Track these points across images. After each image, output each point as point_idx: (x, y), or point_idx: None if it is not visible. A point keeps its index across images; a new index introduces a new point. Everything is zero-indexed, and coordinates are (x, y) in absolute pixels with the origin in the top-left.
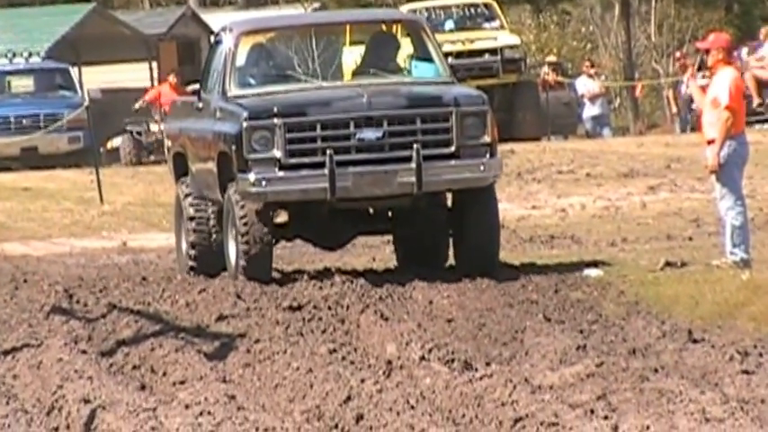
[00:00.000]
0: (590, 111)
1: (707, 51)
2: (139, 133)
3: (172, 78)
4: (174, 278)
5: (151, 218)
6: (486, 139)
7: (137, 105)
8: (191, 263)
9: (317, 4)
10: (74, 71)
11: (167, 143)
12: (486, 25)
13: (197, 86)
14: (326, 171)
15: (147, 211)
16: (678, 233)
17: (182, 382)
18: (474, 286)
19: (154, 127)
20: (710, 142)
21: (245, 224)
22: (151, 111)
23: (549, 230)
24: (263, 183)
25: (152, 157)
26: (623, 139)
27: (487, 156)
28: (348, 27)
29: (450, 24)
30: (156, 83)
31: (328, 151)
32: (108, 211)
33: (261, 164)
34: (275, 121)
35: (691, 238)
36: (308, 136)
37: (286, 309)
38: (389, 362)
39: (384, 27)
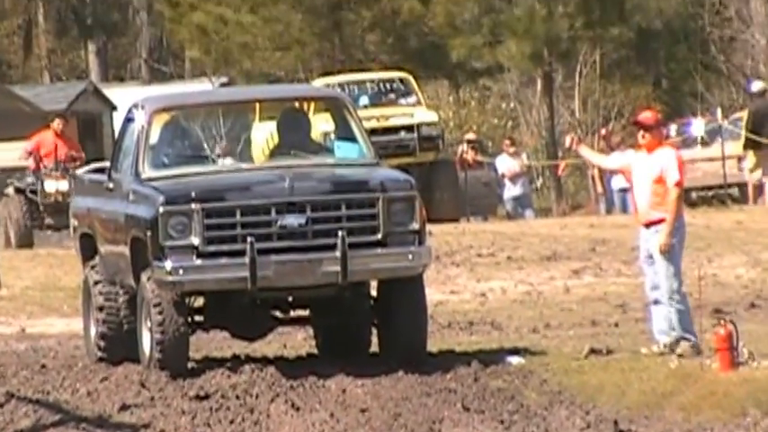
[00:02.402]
0: (511, 191)
1: (647, 128)
2: (34, 192)
3: (56, 124)
4: (75, 365)
5: (51, 303)
6: (415, 225)
7: (21, 158)
8: (100, 353)
9: (223, 79)
10: None
11: (73, 222)
12: (403, 101)
13: (100, 165)
14: (247, 259)
15: (46, 296)
16: (603, 319)
17: None
18: (390, 375)
19: (50, 186)
20: (651, 224)
21: (161, 314)
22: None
23: (469, 316)
24: (180, 271)
25: (49, 221)
26: (546, 220)
27: (416, 244)
28: (273, 104)
29: (364, 100)
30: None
31: (249, 238)
32: (5, 295)
33: (178, 251)
34: (193, 206)
35: (617, 325)
36: (228, 222)
37: (192, 398)
38: None
39: (297, 104)
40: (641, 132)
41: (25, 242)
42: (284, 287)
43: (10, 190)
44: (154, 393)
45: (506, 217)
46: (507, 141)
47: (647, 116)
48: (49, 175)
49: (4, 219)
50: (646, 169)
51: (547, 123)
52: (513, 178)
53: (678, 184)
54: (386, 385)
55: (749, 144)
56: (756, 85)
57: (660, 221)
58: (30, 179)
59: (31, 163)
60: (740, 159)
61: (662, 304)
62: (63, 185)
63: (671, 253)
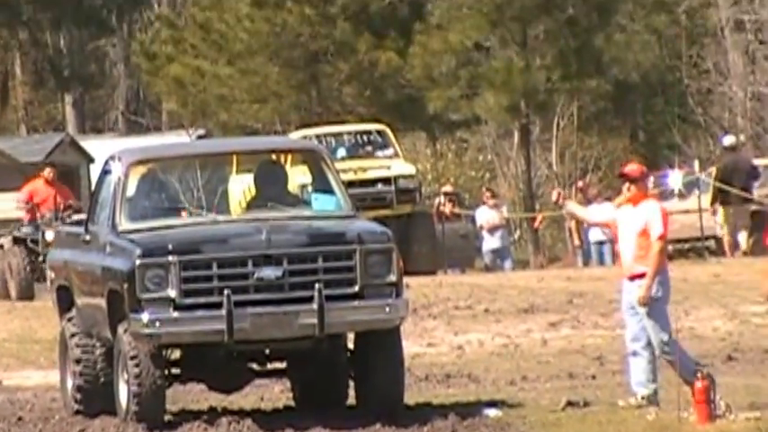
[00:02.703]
0: (489, 243)
1: (632, 180)
2: (34, 242)
3: (47, 173)
4: (52, 418)
5: (28, 355)
6: (392, 278)
7: (18, 208)
8: (77, 406)
9: (200, 131)
10: None
11: (50, 275)
12: (380, 153)
13: (77, 217)
14: (224, 312)
15: (23, 348)
16: (580, 371)
17: None
18: (367, 427)
19: (50, 235)
20: (636, 277)
21: (138, 366)
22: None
23: (446, 369)
24: (157, 324)
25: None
26: (523, 272)
27: (393, 296)
28: (250, 156)
29: (341, 152)
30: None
31: (226, 291)
32: None
33: (154, 304)
34: (170, 258)
35: (594, 377)
36: (205, 275)
37: None
38: None
39: (274, 156)
40: (627, 185)
41: (26, 294)
42: (261, 340)
43: (6, 241)
44: None
45: (485, 269)
46: (487, 193)
47: (632, 168)
48: (49, 225)
49: (1, 271)
50: (630, 222)
51: (524, 176)
52: (492, 230)
53: (661, 238)
54: None
55: (719, 199)
56: (728, 140)
57: (644, 275)
58: (27, 229)
59: (23, 213)
60: (715, 212)
61: (640, 356)
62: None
63: (657, 307)
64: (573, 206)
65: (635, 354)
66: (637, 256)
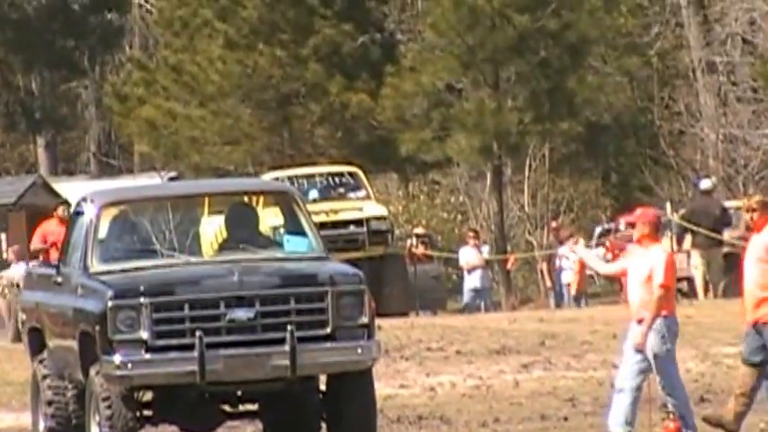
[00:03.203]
0: (470, 283)
1: (632, 225)
2: None
3: (61, 211)
4: None
5: (0, 397)
6: (364, 319)
7: (33, 252)
8: None
9: (172, 173)
10: None
11: (21, 317)
12: (352, 195)
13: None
14: (196, 354)
15: None
16: (553, 413)
17: None
18: None
19: None
20: (641, 321)
21: (109, 408)
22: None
23: (418, 410)
24: (129, 365)
25: None
26: (495, 314)
27: (365, 338)
28: (221, 198)
29: (314, 194)
30: (4, 254)
31: (198, 332)
32: None
33: (126, 345)
34: (142, 300)
35: (566, 418)
36: (177, 316)
37: None
38: None
39: (246, 197)
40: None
41: None
42: (233, 381)
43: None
44: None
45: (464, 308)
46: (471, 233)
47: (637, 214)
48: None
49: (15, 312)
50: (638, 268)
51: (496, 217)
52: (473, 270)
53: (662, 286)
54: None
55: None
56: (705, 184)
57: None
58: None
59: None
60: (689, 254)
61: (626, 395)
62: None
63: (666, 355)
64: (584, 253)
65: (621, 391)
66: (642, 301)
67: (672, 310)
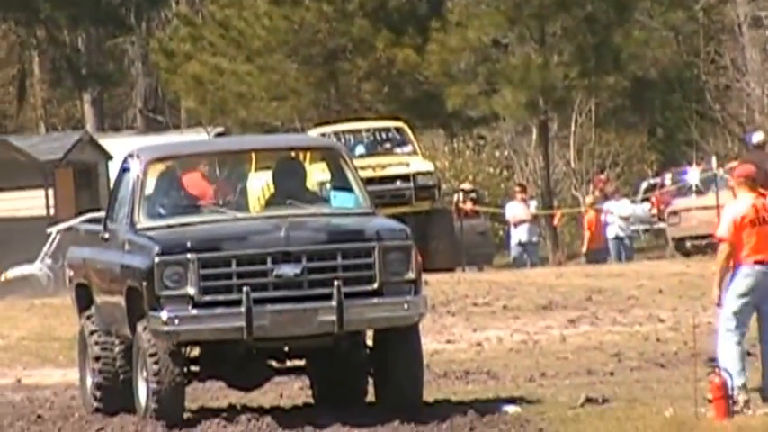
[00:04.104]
0: (516, 237)
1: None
2: None
3: (203, 167)
4: (71, 416)
5: (47, 353)
6: (411, 275)
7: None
8: (96, 404)
9: (219, 129)
10: None
11: (69, 273)
12: (399, 150)
13: (96, 215)
14: (243, 309)
15: (42, 346)
16: (599, 368)
17: None
18: (386, 424)
19: None
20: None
21: (157, 364)
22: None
23: (465, 365)
24: (176, 321)
25: None
26: (542, 269)
27: (412, 293)
28: (268, 154)
29: (360, 149)
30: (51, 211)
31: (245, 288)
32: (1, 345)
33: (173, 301)
34: (189, 256)
35: (612, 373)
36: (224, 272)
37: None
38: None
39: (293, 153)
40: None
41: None
42: (280, 337)
43: None
44: None
45: (512, 262)
46: (518, 188)
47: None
48: None
49: None
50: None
51: (542, 172)
52: (519, 225)
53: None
54: None
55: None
56: (756, 137)
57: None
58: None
59: None
60: None
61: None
62: None
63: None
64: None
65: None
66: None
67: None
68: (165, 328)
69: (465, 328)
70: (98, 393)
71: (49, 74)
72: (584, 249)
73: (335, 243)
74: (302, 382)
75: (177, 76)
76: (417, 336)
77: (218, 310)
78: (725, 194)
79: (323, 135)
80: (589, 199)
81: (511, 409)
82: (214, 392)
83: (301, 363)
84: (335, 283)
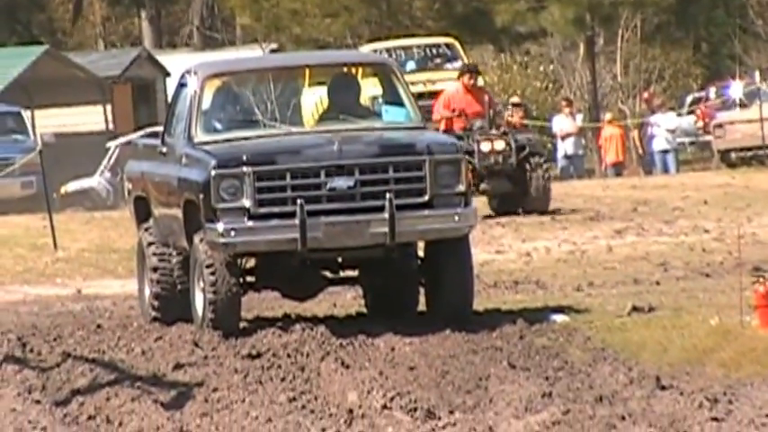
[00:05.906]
0: (563, 150)
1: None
2: (469, 153)
3: (467, 79)
4: (130, 326)
5: (106, 264)
6: (461, 188)
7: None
8: (154, 313)
9: (274, 45)
10: (26, 114)
11: (128, 186)
12: (449, 66)
13: (154, 129)
14: (297, 221)
15: (101, 258)
16: (645, 278)
17: None
18: (437, 333)
19: (486, 146)
20: None
21: (213, 275)
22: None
23: (514, 275)
24: (232, 233)
25: (485, 186)
26: (589, 181)
27: (462, 205)
28: (322, 70)
29: (411, 65)
30: (110, 126)
31: (299, 201)
32: (62, 257)
33: (229, 213)
34: (244, 169)
35: (658, 283)
36: (278, 185)
37: (245, 357)
38: (351, 410)
39: (346, 69)
40: None
41: None
42: (333, 248)
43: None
44: (207, 352)
45: (559, 173)
46: (564, 102)
47: None
48: (486, 133)
49: None
50: None
51: (589, 87)
52: (566, 137)
53: None
54: (433, 343)
55: None
56: None
57: None
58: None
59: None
60: None
61: None
62: (499, 145)
63: None
64: None
65: None
66: None
67: None
68: (222, 240)
69: (514, 239)
70: (156, 303)
71: None
72: (611, 162)
73: (387, 156)
74: (355, 293)
75: None
76: (468, 247)
77: (273, 222)
78: None
79: (375, 51)
80: (608, 116)
81: (559, 318)
82: (269, 302)
83: (354, 273)
84: (387, 195)
